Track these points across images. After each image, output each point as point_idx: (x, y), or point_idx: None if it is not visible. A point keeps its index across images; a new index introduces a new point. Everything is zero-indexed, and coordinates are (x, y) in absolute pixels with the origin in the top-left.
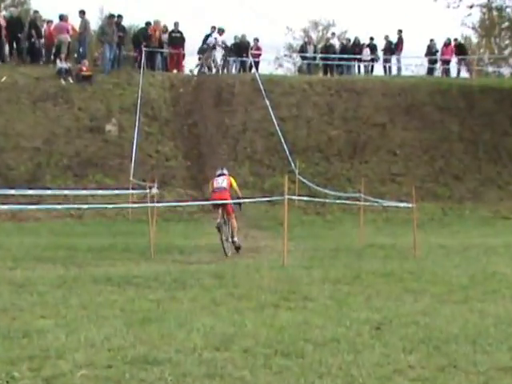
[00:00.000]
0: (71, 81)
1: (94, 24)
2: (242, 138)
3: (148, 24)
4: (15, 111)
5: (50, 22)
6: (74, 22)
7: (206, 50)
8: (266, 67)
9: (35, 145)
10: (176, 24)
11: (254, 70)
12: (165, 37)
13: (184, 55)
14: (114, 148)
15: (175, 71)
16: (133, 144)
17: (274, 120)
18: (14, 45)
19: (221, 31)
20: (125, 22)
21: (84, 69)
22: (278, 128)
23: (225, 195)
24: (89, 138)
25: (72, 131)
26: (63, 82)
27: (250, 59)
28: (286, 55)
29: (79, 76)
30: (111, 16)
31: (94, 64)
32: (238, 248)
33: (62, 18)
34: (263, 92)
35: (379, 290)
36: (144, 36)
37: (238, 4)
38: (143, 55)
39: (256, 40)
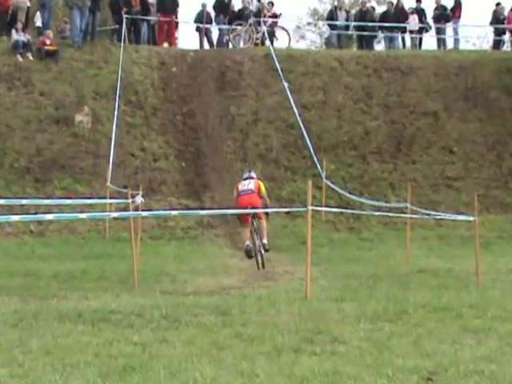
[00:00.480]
0: (31, 57)
1: None
2: (253, 132)
3: None
4: None
5: None
6: None
7: (247, 16)
8: (284, 39)
9: None
10: None
11: (267, 42)
12: (152, 0)
13: (177, 24)
14: (87, 145)
15: (166, 45)
16: (111, 139)
17: (295, 108)
18: None
19: None
20: None
21: (47, 42)
22: (299, 118)
23: (255, 199)
24: (54, 131)
25: (32, 123)
26: (20, 58)
27: (263, 28)
28: (309, 24)
29: (41, 51)
30: None
31: (60, 36)
32: (266, 251)
33: None
34: (280, 72)
35: (431, 329)
36: None
37: None
38: (124, 24)
39: (270, 3)
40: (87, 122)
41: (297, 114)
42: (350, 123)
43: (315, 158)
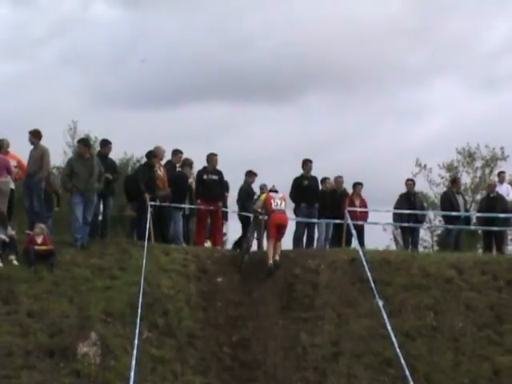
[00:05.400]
0: (15, 261)
1: (58, 155)
2: (333, 371)
3: (152, 156)
4: None
5: None
6: (21, 151)
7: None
8: (378, 237)
9: None
10: (211, 158)
11: (354, 242)
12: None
13: (225, 214)
14: None
15: (208, 244)
16: (128, 380)
17: (393, 336)
18: None
19: None
20: (114, 154)
21: (38, 240)
22: (399, 351)
23: (286, 219)
24: (46, 368)
25: (15, 356)
26: (0, 263)
27: (348, 222)
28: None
29: (31, 253)
30: (86, 141)
31: (57, 231)
32: (277, 267)
33: None
34: (372, 284)
35: None
36: (149, 178)
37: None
38: (148, 214)
39: (359, 185)
40: (94, 354)
41: (396, 346)
42: (471, 358)
43: None
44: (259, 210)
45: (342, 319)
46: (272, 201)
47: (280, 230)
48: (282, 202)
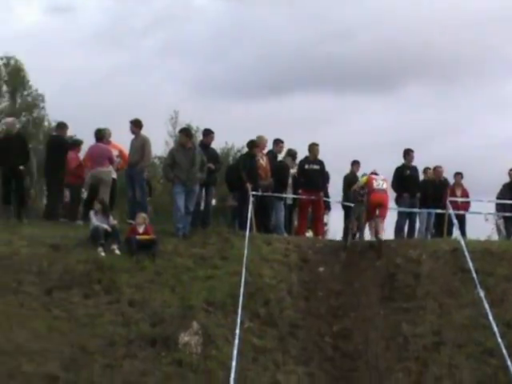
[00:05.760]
0: (117, 251)
1: (160, 145)
2: (435, 361)
3: (253, 145)
4: (9, 307)
5: (76, 143)
6: (123, 141)
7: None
8: (480, 228)
9: (47, 370)
10: (313, 148)
11: (456, 232)
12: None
13: (328, 204)
14: (196, 377)
15: (310, 234)
16: (230, 370)
17: (495, 326)
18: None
19: None
20: (216, 144)
21: (140, 230)
22: (501, 341)
23: (387, 198)
24: (148, 357)
25: (117, 345)
26: (102, 253)
27: (450, 212)
28: None
29: (133, 243)
30: (188, 131)
31: (158, 220)
32: (381, 242)
33: (100, 135)
34: (474, 274)
35: None
36: (250, 168)
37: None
38: (250, 204)
39: (459, 175)
40: (196, 344)
41: (497, 336)
42: None
43: None
44: (358, 190)
45: (444, 309)
46: (374, 181)
47: (381, 209)
48: (384, 183)
